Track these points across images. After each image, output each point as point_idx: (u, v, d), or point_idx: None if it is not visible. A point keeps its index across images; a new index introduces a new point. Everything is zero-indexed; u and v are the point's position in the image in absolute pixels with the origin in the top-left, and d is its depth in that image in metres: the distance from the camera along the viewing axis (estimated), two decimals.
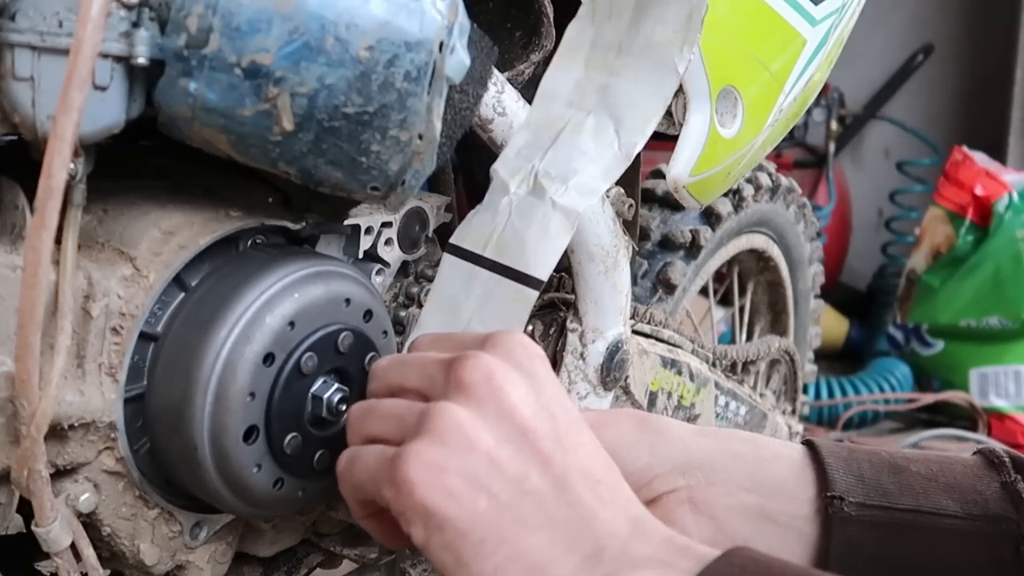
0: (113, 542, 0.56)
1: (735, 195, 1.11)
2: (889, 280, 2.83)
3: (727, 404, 1.01)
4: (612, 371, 0.76)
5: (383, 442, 0.49)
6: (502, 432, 0.46)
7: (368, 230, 0.65)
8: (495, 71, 0.63)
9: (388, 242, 0.67)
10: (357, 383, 0.58)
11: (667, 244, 1.04)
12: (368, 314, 0.59)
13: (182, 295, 0.55)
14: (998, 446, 0.58)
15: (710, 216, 1.08)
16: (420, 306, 0.68)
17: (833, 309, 2.74)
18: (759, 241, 1.21)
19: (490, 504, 0.44)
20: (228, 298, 0.53)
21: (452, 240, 0.64)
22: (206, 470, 0.53)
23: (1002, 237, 2.23)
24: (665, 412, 0.88)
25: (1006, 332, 2.24)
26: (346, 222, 0.63)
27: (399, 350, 0.66)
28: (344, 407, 0.56)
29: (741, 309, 1.31)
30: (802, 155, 2.96)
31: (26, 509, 0.51)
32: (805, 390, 1.47)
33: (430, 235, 0.71)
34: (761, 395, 1.22)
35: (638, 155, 0.67)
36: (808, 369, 1.46)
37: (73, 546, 0.52)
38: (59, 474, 0.53)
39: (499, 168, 0.64)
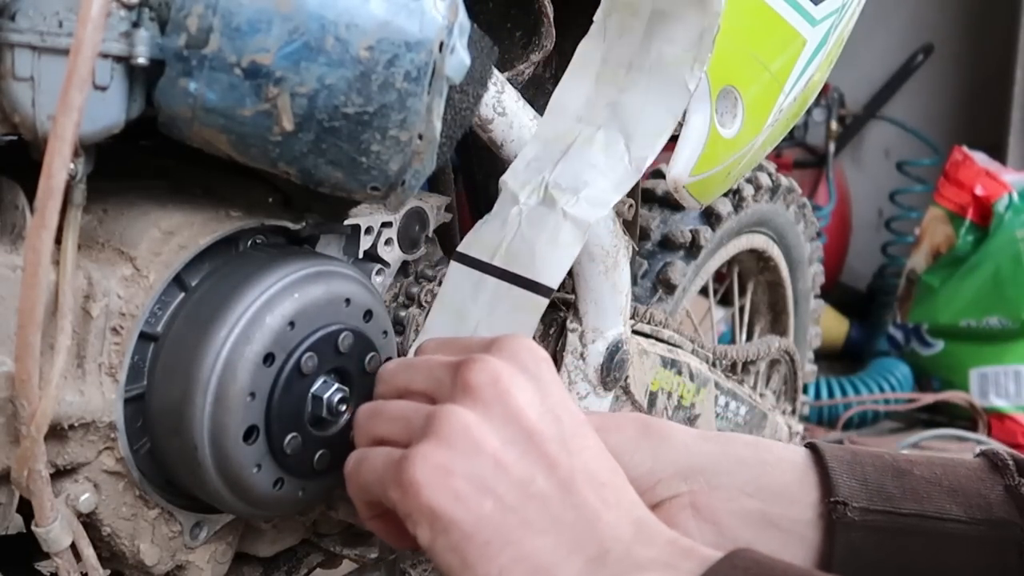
0: (113, 542, 0.56)
1: (735, 195, 1.11)
2: (889, 280, 2.83)
3: (727, 404, 1.01)
4: (612, 371, 0.76)
5: (390, 444, 0.50)
6: (508, 435, 0.46)
7: (368, 230, 0.65)
8: (495, 71, 0.63)
9: (388, 242, 0.67)
10: (357, 383, 0.58)
11: (667, 244, 1.04)
12: (368, 314, 0.59)
13: (182, 295, 0.55)
14: (1002, 448, 0.58)
15: (710, 216, 1.08)
16: (420, 306, 0.68)
17: (833, 309, 2.74)
18: (759, 241, 1.21)
19: (496, 506, 0.44)
20: (228, 298, 0.53)
21: (459, 248, 0.64)
22: (206, 470, 0.53)
23: (1002, 237, 2.23)
24: (665, 412, 0.88)
25: (1006, 332, 2.24)
26: (346, 222, 0.63)
27: (399, 350, 0.66)
28: (344, 407, 0.56)
29: (741, 309, 1.31)
30: (802, 155, 2.96)
31: (26, 509, 0.51)
32: (805, 390, 1.47)
33: (430, 235, 0.71)
34: (761, 395, 1.22)
35: None
36: (808, 369, 1.46)
37: (73, 546, 0.52)
38: (59, 474, 0.53)
39: (508, 179, 0.64)
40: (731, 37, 0.73)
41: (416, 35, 0.49)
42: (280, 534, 0.68)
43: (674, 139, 0.73)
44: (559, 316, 0.75)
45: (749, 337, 1.35)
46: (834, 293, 2.81)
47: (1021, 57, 2.82)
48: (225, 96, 0.47)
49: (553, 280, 0.62)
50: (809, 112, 2.79)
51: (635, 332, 0.84)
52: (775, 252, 1.26)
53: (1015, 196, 2.25)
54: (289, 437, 0.55)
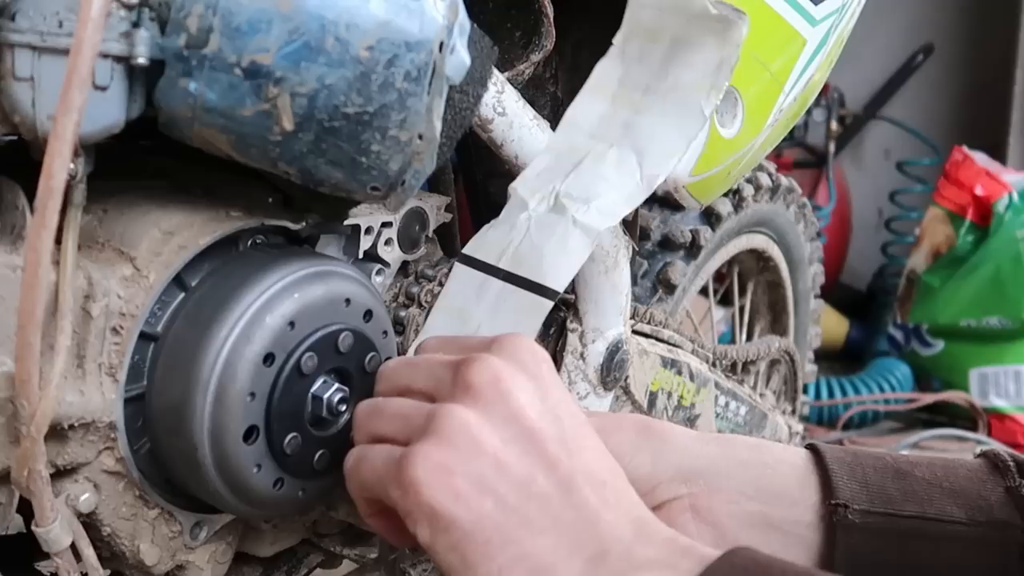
0: (113, 542, 0.56)
1: (735, 195, 1.11)
2: (889, 280, 2.82)
3: (727, 404, 1.01)
4: (612, 371, 0.76)
5: (390, 442, 0.50)
6: (509, 434, 0.46)
7: (368, 230, 0.65)
8: (495, 71, 0.63)
9: (388, 242, 0.67)
10: (357, 383, 0.58)
11: (667, 244, 1.04)
12: (368, 314, 0.59)
13: (182, 295, 0.55)
14: (1003, 449, 0.58)
15: (710, 216, 1.08)
16: (420, 306, 0.68)
17: (833, 309, 2.73)
18: (759, 241, 1.21)
19: (496, 505, 0.44)
20: (228, 298, 0.53)
21: (465, 250, 0.64)
22: (206, 470, 0.53)
23: (1002, 237, 2.23)
24: (665, 412, 0.88)
25: (1006, 332, 2.24)
26: (346, 222, 0.63)
27: (399, 350, 0.66)
28: (344, 407, 0.56)
29: (741, 309, 1.31)
30: (802, 155, 2.96)
31: (26, 509, 0.51)
32: (805, 390, 1.47)
33: (430, 235, 0.71)
34: (761, 395, 1.22)
35: None
36: (808, 369, 1.46)
37: (73, 546, 0.52)
38: (59, 474, 0.53)
39: (518, 187, 0.64)
40: None
41: (416, 35, 0.49)
42: (280, 534, 0.68)
43: None
44: (559, 316, 0.75)
45: (749, 337, 1.35)
46: (834, 293, 2.80)
47: (1021, 57, 2.82)
48: (225, 96, 0.47)
49: (559, 284, 0.62)
50: (809, 112, 2.79)
51: (635, 332, 0.84)
52: (775, 252, 1.26)
53: (1015, 196, 2.25)
54: (289, 437, 0.55)
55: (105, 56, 0.45)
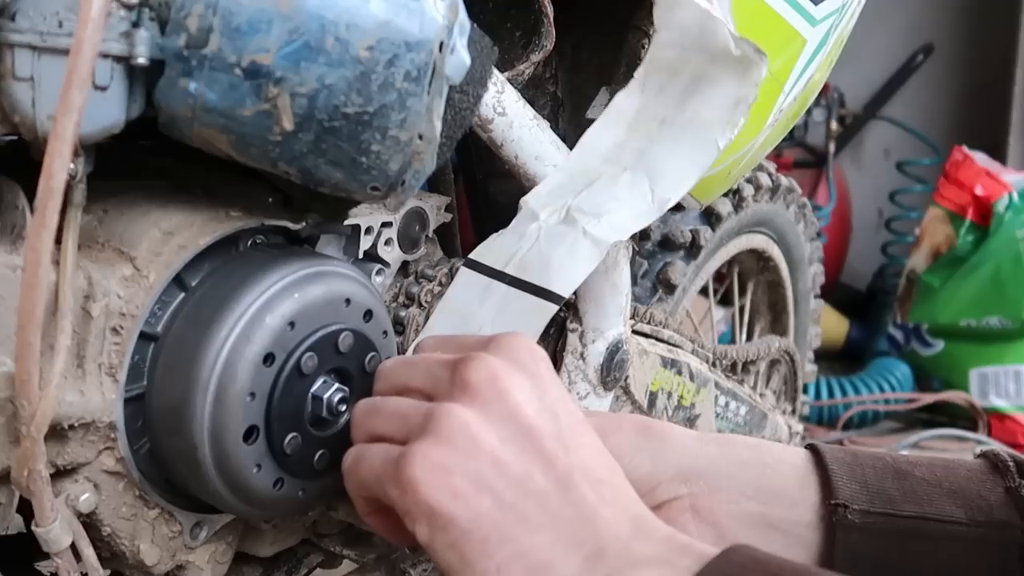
0: (113, 542, 0.56)
1: (735, 195, 1.10)
2: (889, 280, 2.82)
3: (727, 404, 1.01)
4: (612, 371, 0.76)
5: (388, 441, 0.50)
6: (506, 432, 0.46)
7: (368, 230, 0.65)
8: (495, 71, 0.63)
9: (388, 242, 0.67)
10: (357, 383, 0.58)
11: (667, 244, 1.04)
12: (368, 314, 0.59)
13: (182, 295, 0.55)
14: (1003, 449, 0.58)
15: (710, 216, 1.08)
16: (420, 306, 0.68)
17: (833, 309, 2.73)
18: (759, 241, 1.21)
19: (494, 504, 0.44)
20: (228, 298, 0.53)
21: (471, 256, 0.65)
22: (206, 470, 0.53)
23: (1002, 237, 2.23)
24: (665, 412, 0.88)
25: (1006, 332, 2.24)
26: (346, 222, 0.63)
27: (399, 350, 0.66)
28: (344, 407, 0.56)
29: (741, 309, 1.31)
30: (802, 155, 2.95)
31: (26, 509, 0.51)
32: (805, 390, 1.47)
33: (430, 235, 0.71)
34: (761, 395, 1.22)
35: None
36: (808, 369, 1.46)
37: (73, 546, 0.52)
38: (59, 474, 0.53)
39: (529, 199, 0.65)
40: None
41: (416, 35, 0.49)
42: (280, 534, 0.68)
43: None
44: (559, 316, 0.75)
45: (749, 337, 1.35)
46: (834, 293, 2.80)
47: (1021, 57, 2.82)
48: (225, 96, 0.47)
49: (565, 289, 0.62)
50: (809, 112, 2.79)
51: (635, 332, 0.84)
52: (775, 252, 1.26)
53: (1015, 196, 2.25)
54: (289, 437, 0.55)
55: (105, 56, 0.45)
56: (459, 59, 0.53)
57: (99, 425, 0.52)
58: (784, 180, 1.22)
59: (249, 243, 0.58)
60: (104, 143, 0.48)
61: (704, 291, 1.19)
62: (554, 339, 0.75)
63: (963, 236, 2.32)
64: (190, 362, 0.52)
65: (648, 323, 0.88)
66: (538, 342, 0.73)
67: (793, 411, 1.40)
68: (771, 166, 1.21)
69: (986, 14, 3.01)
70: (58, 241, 0.46)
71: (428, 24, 0.49)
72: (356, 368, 0.58)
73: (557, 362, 0.75)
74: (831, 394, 2.31)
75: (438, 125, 0.53)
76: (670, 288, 1.02)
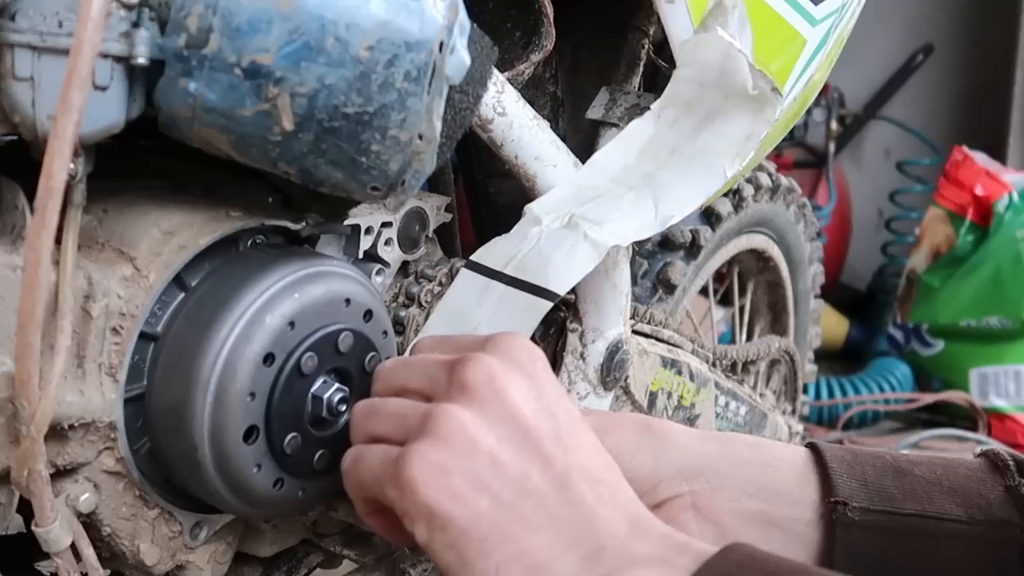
0: (113, 542, 0.56)
1: (735, 195, 1.10)
2: (889, 280, 2.82)
3: (727, 404, 1.01)
4: (612, 371, 0.76)
5: (386, 441, 0.50)
6: (504, 432, 0.46)
7: (368, 230, 0.65)
8: (495, 71, 0.63)
9: (388, 242, 0.67)
10: (357, 383, 0.58)
11: (667, 244, 1.04)
12: (368, 314, 0.59)
13: (182, 295, 0.55)
14: (1003, 448, 0.58)
15: (710, 216, 1.08)
16: (420, 306, 0.68)
17: (833, 309, 2.73)
18: (759, 241, 1.21)
19: (492, 504, 0.44)
20: (228, 298, 0.53)
21: (472, 258, 0.65)
22: (206, 470, 0.53)
23: (1002, 237, 2.23)
24: (665, 412, 0.88)
25: (1006, 332, 2.24)
26: (346, 222, 0.63)
27: (399, 350, 0.66)
28: (344, 407, 0.56)
29: (741, 309, 1.31)
30: (802, 155, 2.95)
31: (26, 509, 0.51)
32: (805, 390, 1.47)
33: (430, 235, 0.71)
34: (761, 395, 1.22)
35: None
36: (808, 369, 1.46)
37: (73, 546, 0.52)
38: (59, 474, 0.53)
39: (534, 207, 0.66)
40: None
41: (416, 35, 0.49)
42: (280, 534, 0.68)
43: None
44: (559, 316, 0.75)
45: (749, 337, 1.35)
46: (834, 293, 2.80)
47: (1021, 57, 2.82)
48: (225, 96, 0.47)
49: (561, 288, 0.62)
50: (809, 112, 2.79)
51: (635, 332, 0.84)
52: (775, 252, 1.26)
53: (1015, 196, 2.25)
54: (289, 437, 0.55)
55: (105, 56, 0.45)
56: (459, 59, 0.53)
57: (99, 425, 0.52)
58: (784, 180, 1.22)
59: (249, 243, 0.58)
60: (104, 143, 0.48)
61: (704, 291, 1.19)
62: (554, 339, 0.75)
63: (963, 236, 2.32)
64: (190, 362, 0.52)
65: (648, 323, 0.88)
66: (538, 342, 0.73)
67: (793, 411, 1.40)
68: (771, 166, 1.21)
69: (986, 14, 3.01)
70: (58, 241, 0.46)
71: (428, 24, 0.49)
72: (356, 368, 0.58)
73: (557, 362, 0.75)
74: (831, 394, 2.31)
75: (438, 125, 0.53)
76: (670, 288, 1.02)
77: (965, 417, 2.27)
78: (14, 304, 0.46)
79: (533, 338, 0.73)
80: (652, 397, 0.85)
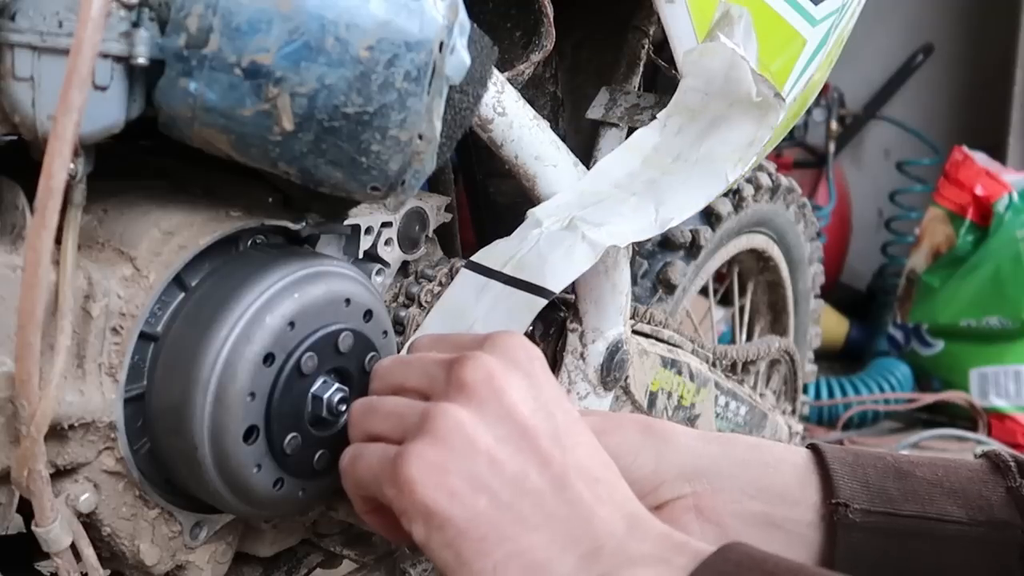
0: (113, 542, 0.56)
1: (735, 195, 1.11)
2: (889, 280, 2.82)
3: (727, 404, 1.01)
4: (612, 371, 0.76)
5: (384, 440, 0.50)
6: (502, 432, 0.46)
7: (368, 230, 0.65)
8: (495, 71, 0.63)
9: (388, 242, 0.67)
10: (357, 383, 0.58)
11: (667, 244, 1.04)
12: (368, 314, 0.59)
13: (182, 295, 0.55)
14: (1004, 449, 0.58)
15: (710, 216, 1.08)
16: (420, 306, 0.68)
17: (833, 309, 2.73)
18: (759, 241, 1.21)
19: (490, 503, 0.44)
20: (228, 298, 0.53)
21: (472, 258, 0.65)
22: (206, 470, 0.53)
23: (1002, 237, 2.23)
24: (665, 412, 0.88)
25: (1006, 332, 2.24)
26: (346, 222, 0.63)
27: (399, 350, 0.66)
28: (344, 407, 0.56)
29: (741, 309, 1.31)
30: (802, 155, 2.95)
31: (26, 509, 0.51)
32: (805, 390, 1.47)
33: (430, 235, 0.71)
34: (761, 395, 1.22)
35: None
36: (808, 369, 1.46)
37: (73, 546, 0.52)
38: (59, 474, 0.53)
39: (536, 211, 0.66)
40: None
41: (416, 35, 0.49)
42: (280, 534, 0.68)
43: None
44: (559, 316, 0.75)
45: (749, 337, 1.35)
46: (834, 293, 2.80)
47: (1021, 57, 2.82)
48: (225, 96, 0.47)
49: (557, 285, 0.63)
50: (809, 112, 2.79)
51: (635, 332, 0.84)
52: (775, 252, 1.26)
53: (1015, 196, 2.25)
54: (289, 437, 0.55)
55: (105, 56, 0.45)
56: (459, 59, 0.53)
57: (99, 425, 0.52)
58: (784, 180, 1.22)
59: (249, 243, 0.58)
60: (104, 143, 0.48)
61: (704, 291, 1.19)
62: (554, 339, 0.75)
63: (963, 236, 2.32)
64: (190, 362, 0.52)
65: (648, 323, 0.88)
66: (538, 342, 0.73)
67: (793, 411, 1.40)
68: (771, 166, 1.21)
69: (986, 14, 3.01)
70: (58, 241, 0.46)
71: (428, 24, 0.49)
72: (356, 368, 0.58)
73: (557, 362, 0.75)
74: (831, 394, 2.31)
75: (438, 125, 0.53)
76: (670, 288, 1.02)
77: (965, 417, 2.27)
78: (14, 304, 0.46)
79: (532, 338, 0.74)
80: (652, 397, 0.85)
